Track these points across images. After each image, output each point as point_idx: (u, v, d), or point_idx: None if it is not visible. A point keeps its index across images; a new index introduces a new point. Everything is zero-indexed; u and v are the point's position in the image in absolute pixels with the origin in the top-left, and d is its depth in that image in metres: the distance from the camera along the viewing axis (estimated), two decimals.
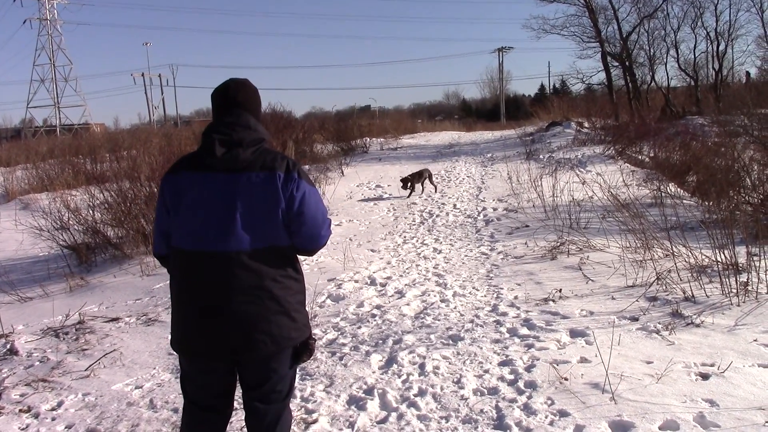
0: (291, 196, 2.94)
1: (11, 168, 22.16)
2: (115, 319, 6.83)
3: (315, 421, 4.34)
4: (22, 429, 4.56)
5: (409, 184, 14.35)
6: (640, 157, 17.90)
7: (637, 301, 6.14)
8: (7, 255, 11.14)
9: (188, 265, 2.99)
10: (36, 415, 4.74)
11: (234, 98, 3.09)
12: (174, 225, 3.03)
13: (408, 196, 14.25)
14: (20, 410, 4.82)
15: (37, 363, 5.72)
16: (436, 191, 14.68)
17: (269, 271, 2.94)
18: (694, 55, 38.90)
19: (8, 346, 6.08)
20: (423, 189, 14.91)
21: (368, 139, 27.11)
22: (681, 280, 6.47)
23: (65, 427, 4.53)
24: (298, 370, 5.09)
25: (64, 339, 6.27)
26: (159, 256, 3.26)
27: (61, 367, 5.60)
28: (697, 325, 5.48)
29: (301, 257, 3.21)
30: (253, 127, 3.03)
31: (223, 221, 2.91)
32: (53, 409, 4.83)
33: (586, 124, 26.53)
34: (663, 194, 10.77)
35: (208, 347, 3.00)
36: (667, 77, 40.27)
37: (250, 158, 2.95)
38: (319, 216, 3.08)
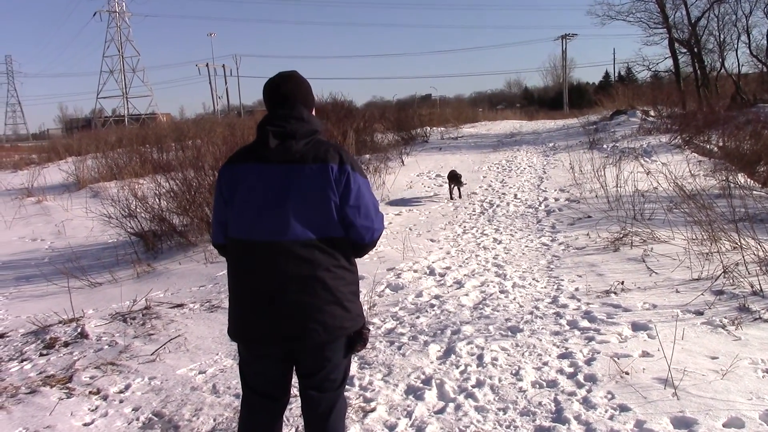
0: (344, 189, 2.97)
1: (82, 157, 22.85)
2: (180, 305, 7.01)
3: (373, 410, 4.39)
4: (92, 410, 4.73)
5: (452, 180, 13.27)
6: (708, 146, 17.40)
7: (702, 294, 6.00)
8: (78, 241, 11.53)
9: (243, 255, 3.06)
10: (105, 397, 4.92)
11: (284, 91, 3.12)
12: (230, 215, 3.10)
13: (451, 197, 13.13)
14: (90, 392, 5.01)
15: (106, 347, 5.92)
16: (460, 196, 13.13)
17: (322, 262, 2.97)
18: (767, 40, 37.49)
19: (79, 330, 6.31)
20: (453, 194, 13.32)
21: (428, 129, 27.03)
22: (749, 273, 6.28)
23: (132, 410, 4.69)
24: (355, 359, 5.17)
25: (131, 324, 6.47)
26: (217, 246, 3.33)
27: (128, 351, 5.79)
28: (766, 321, 5.33)
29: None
30: (306, 118, 3.06)
31: (277, 212, 2.96)
32: (121, 392, 5.00)
33: (651, 113, 25.89)
34: (732, 185, 10.45)
35: (262, 335, 3.06)
36: (738, 63, 38.87)
37: (303, 150, 2.98)
38: (372, 208, 3.09)
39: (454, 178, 13.10)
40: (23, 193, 17.32)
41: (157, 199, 11.09)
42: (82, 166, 19.47)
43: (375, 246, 3.25)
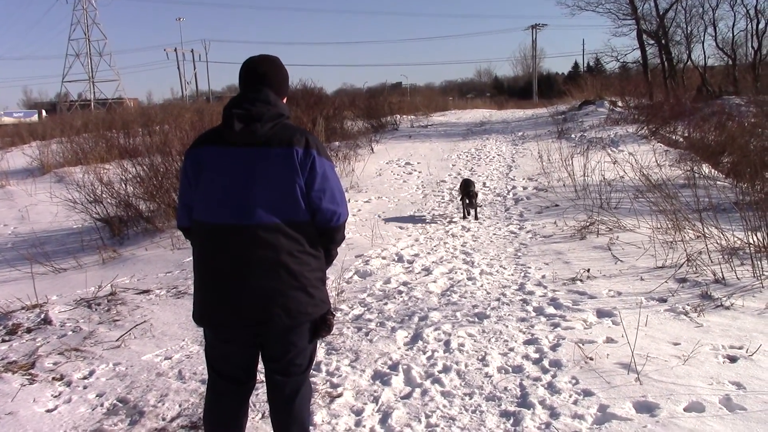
0: (309, 173, 2.96)
1: (47, 141, 22.46)
2: (146, 291, 6.94)
3: (340, 395, 4.39)
4: (55, 396, 4.67)
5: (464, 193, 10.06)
6: (674, 137, 17.63)
7: (666, 282, 6.09)
8: (42, 227, 11.35)
9: (208, 238, 3.04)
10: (68, 384, 4.86)
11: (257, 74, 3.10)
12: (195, 198, 3.08)
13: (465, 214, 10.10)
14: (53, 378, 4.94)
15: (70, 333, 5.84)
16: (476, 217, 10.00)
17: (287, 246, 2.96)
18: (733, 33, 37.89)
19: (42, 316, 6.22)
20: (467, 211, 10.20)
21: (399, 116, 27.03)
22: (712, 262, 6.39)
23: (96, 396, 4.64)
24: (322, 344, 5.17)
25: (96, 310, 6.39)
26: (182, 229, 3.30)
27: (93, 337, 5.72)
28: (727, 308, 5.42)
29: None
30: (273, 102, 3.03)
31: (241, 195, 2.94)
32: (85, 378, 4.94)
33: (619, 103, 26.16)
34: (696, 175, 10.61)
35: (225, 319, 3.05)
36: (704, 56, 39.46)
37: (269, 133, 2.96)
38: (337, 192, 3.09)
39: (467, 192, 9.91)
40: None
41: (123, 185, 10.95)
42: (46, 151, 19.14)
43: (343, 232, 3.23)
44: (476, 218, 9.94)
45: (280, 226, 2.94)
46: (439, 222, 9.75)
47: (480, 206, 10.42)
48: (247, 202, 2.93)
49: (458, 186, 10.89)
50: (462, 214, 10.11)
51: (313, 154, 2.96)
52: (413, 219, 10.05)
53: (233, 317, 3.02)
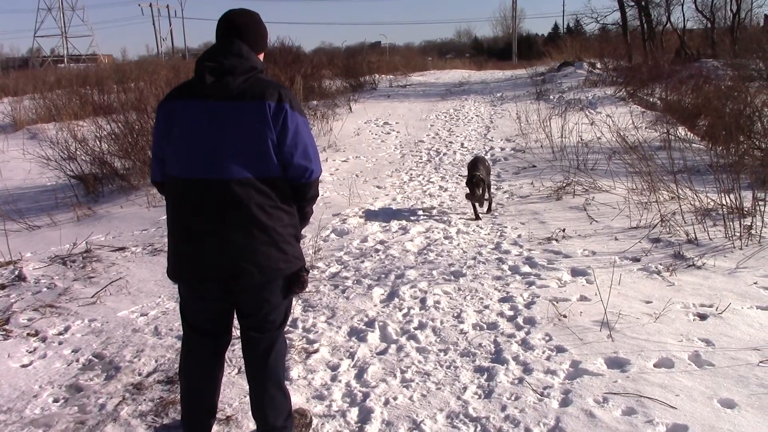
0: (281, 127, 2.91)
1: (18, 98, 22.01)
2: (122, 249, 6.90)
3: (316, 351, 4.42)
4: (30, 352, 4.66)
5: (474, 190, 7.58)
6: (651, 99, 17.68)
7: (639, 242, 6.16)
8: (15, 184, 11.19)
9: (180, 192, 3.01)
10: (43, 339, 4.84)
11: (233, 26, 3.04)
12: (167, 152, 3.04)
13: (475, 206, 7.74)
14: (28, 334, 4.92)
15: (45, 289, 5.81)
16: (489, 209, 7.96)
17: (258, 201, 2.93)
18: None
19: (16, 273, 6.17)
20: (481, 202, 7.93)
21: (377, 76, 26.87)
22: (685, 222, 6.47)
23: (72, 351, 4.63)
24: (299, 301, 5.19)
25: (71, 267, 6.35)
26: (156, 183, 3.27)
27: (68, 293, 5.69)
28: (699, 267, 5.51)
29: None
30: (246, 55, 2.97)
31: (212, 149, 2.90)
32: (60, 334, 4.93)
33: (598, 65, 26.17)
34: (672, 137, 10.68)
35: (196, 273, 3.05)
36: (684, 18, 39.53)
37: (241, 87, 2.91)
38: (310, 148, 3.05)
39: (472, 181, 7.60)
40: None
41: (97, 142, 10.79)
42: (18, 107, 18.78)
43: (315, 189, 3.20)
44: (489, 210, 7.92)
45: (252, 181, 2.91)
46: (416, 181, 9.75)
47: (482, 195, 7.79)
48: (218, 156, 2.90)
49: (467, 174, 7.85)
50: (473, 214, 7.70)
51: (286, 108, 2.92)
52: (391, 178, 10.04)
53: (205, 273, 3.01)
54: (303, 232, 3.36)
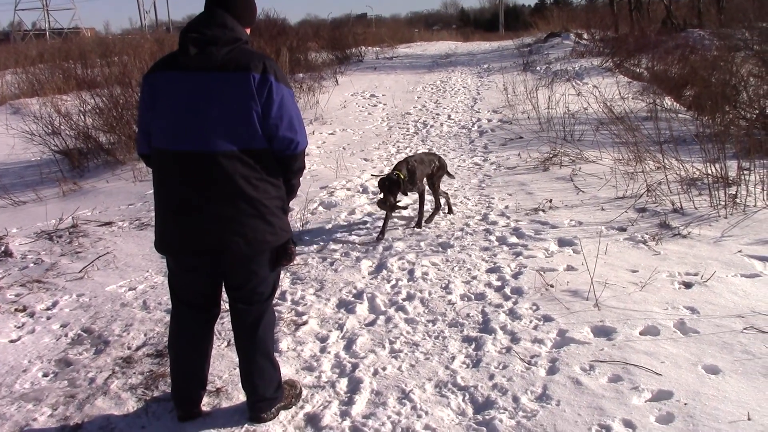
0: (266, 99, 2.89)
1: (0, 72, 21.76)
2: (108, 224, 6.88)
3: (305, 323, 4.44)
4: (18, 327, 4.65)
5: (387, 195, 5.99)
6: (637, 70, 17.67)
7: (626, 212, 6.19)
8: None
9: (165, 165, 3.00)
10: (31, 314, 4.84)
11: None
12: (153, 125, 3.02)
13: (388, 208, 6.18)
14: (16, 309, 4.92)
15: (32, 265, 5.79)
16: (450, 211, 6.72)
17: (244, 174, 2.93)
18: None
19: (2, 248, 6.14)
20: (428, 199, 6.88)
21: (363, 48, 26.69)
22: (671, 192, 6.51)
23: (60, 326, 4.63)
24: (287, 274, 5.20)
25: (57, 242, 6.32)
26: (143, 156, 3.25)
27: (55, 268, 5.67)
28: (684, 236, 5.55)
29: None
30: (230, 26, 2.94)
31: (197, 121, 2.89)
32: (48, 309, 4.93)
33: (585, 36, 26.05)
34: (658, 108, 10.69)
35: (183, 245, 3.05)
36: None
37: (225, 58, 2.89)
38: (296, 120, 3.03)
39: (384, 183, 6.01)
40: None
41: (82, 116, 10.71)
42: (1, 82, 18.56)
43: (301, 161, 3.19)
44: (450, 211, 6.71)
45: (237, 153, 2.90)
46: (404, 153, 9.73)
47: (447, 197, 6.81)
48: (202, 128, 2.88)
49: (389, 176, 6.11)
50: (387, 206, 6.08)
51: (270, 80, 2.89)
52: (378, 150, 10.02)
53: (192, 245, 3.02)
54: (290, 204, 3.36)
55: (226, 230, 2.95)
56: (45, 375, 3.99)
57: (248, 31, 3.13)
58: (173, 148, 2.94)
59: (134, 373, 3.95)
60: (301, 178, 3.30)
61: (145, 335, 4.43)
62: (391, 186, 5.93)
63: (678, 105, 12.49)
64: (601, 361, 3.67)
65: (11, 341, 4.44)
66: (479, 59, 24.45)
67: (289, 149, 3.04)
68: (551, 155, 8.41)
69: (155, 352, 4.19)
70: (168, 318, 4.34)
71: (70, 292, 5.20)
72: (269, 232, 3.05)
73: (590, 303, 4.38)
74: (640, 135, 8.24)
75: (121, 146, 10.19)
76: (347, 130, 11.84)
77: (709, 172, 6.61)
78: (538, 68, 18.42)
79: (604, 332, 4.03)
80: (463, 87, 16.84)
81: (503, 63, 21.17)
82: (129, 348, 4.27)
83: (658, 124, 8.67)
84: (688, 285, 4.61)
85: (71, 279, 5.45)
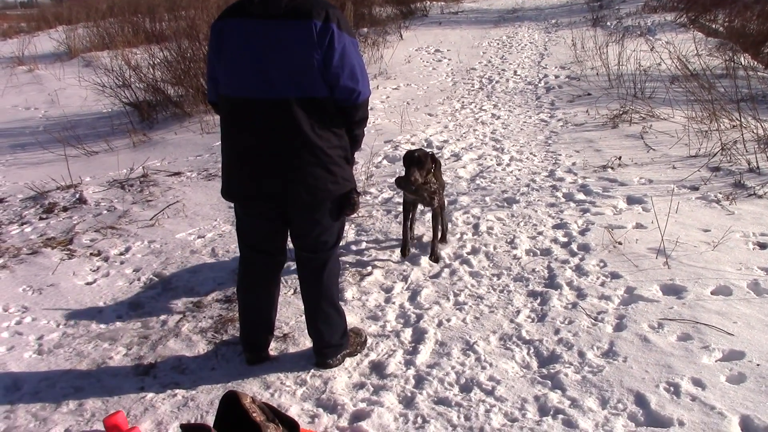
0: (328, 47, 2.87)
1: (73, 26, 22.21)
2: (177, 174, 7.02)
3: (369, 274, 4.48)
4: (93, 271, 4.82)
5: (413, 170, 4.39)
6: (713, 26, 16.98)
7: (698, 171, 6.01)
8: (72, 111, 11.39)
9: (231, 112, 3.04)
10: (106, 259, 5.00)
11: None
12: (219, 72, 3.05)
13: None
14: (91, 254, 5.09)
15: (105, 212, 5.97)
16: (444, 240, 4.93)
17: (306, 121, 2.93)
18: None
19: (77, 196, 6.34)
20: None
21: (429, 3, 26.27)
22: (747, 151, 6.28)
23: (133, 271, 4.78)
24: (352, 225, 5.23)
25: (129, 190, 6.49)
26: (212, 103, 3.30)
27: (127, 216, 5.83)
28: (760, 197, 5.37)
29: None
30: None
31: (259, 68, 2.90)
32: (121, 254, 5.08)
33: None
34: (735, 65, 10.27)
35: (248, 192, 3.10)
36: None
37: (289, 6, 2.87)
38: (358, 69, 3.00)
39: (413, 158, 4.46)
40: (14, 61, 16.89)
41: (151, 70, 10.86)
42: (72, 35, 18.95)
43: (365, 111, 3.17)
44: (443, 239, 4.95)
45: (299, 101, 2.91)
46: (468, 109, 9.62)
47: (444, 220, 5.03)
48: (265, 75, 2.89)
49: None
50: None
51: (333, 28, 2.86)
52: (442, 106, 9.92)
53: (253, 191, 3.06)
54: (355, 158, 3.35)
55: (288, 177, 2.98)
56: (119, 317, 4.13)
57: None
58: (237, 94, 2.97)
59: (204, 317, 4.06)
60: (365, 130, 3.29)
61: (214, 281, 4.53)
62: (420, 161, 4.44)
63: (756, 62, 11.99)
64: (670, 320, 3.61)
65: (87, 284, 4.61)
66: (547, 14, 23.83)
67: (351, 99, 3.03)
68: (621, 112, 8.19)
69: (224, 298, 4.29)
70: (236, 266, 4.43)
71: (142, 238, 5.34)
72: (331, 181, 3.05)
73: (660, 261, 4.29)
74: (715, 92, 7.95)
75: (189, 99, 10.32)
76: (411, 86, 11.74)
77: None
78: (608, 23, 17.86)
79: (674, 291, 3.95)
80: (530, 42, 16.47)
81: (572, 18, 20.59)
82: (198, 293, 4.38)
83: (735, 82, 8.33)
84: (763, 246, 4.48)
85: (143, 226, 5.60)
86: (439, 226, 4.73)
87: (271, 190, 3.03)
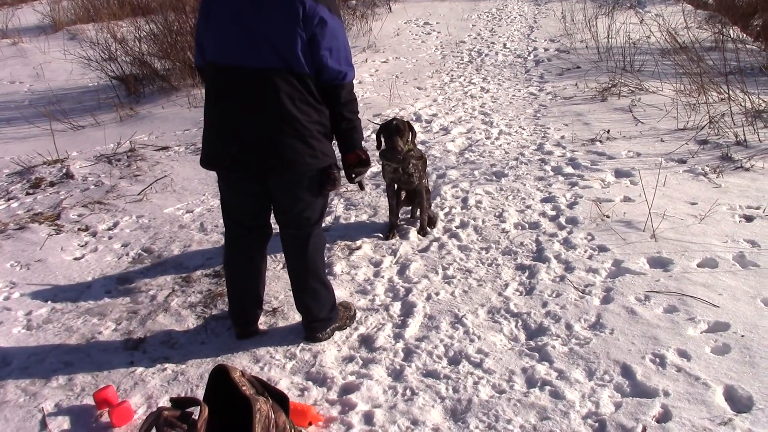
0: (315, 28, 2.86)
1: None
2: (165, 148, 6.98)
3: (358, 248, 4.49)
4: (81, 246, 4.81)
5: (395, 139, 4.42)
6: None
7: (686, 144, 6.03)
8: (57, 84, 11.26)
9: (214, 78, 3.03)
10: (93, 234, 4.98)
11: None
12: (207, 37, 3.04)
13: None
14: (78, 229, 5.07)
15: (92, 186, 5.94)
16: (431, 225, 4.80)
17: (287, 92, 2.91)
18: None
19: (64, 171, 6.30)
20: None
21: None
22: (734, 124, 6.30)
23: (122, 246, 4.77)
24: (341, 200, 5.23)
25: (116, 165, 6.45)
26: (198, 69, 3.29)
27: (115, 190, 5.81)
28: (747, 169, 5.40)
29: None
30: None
31: (244, 37, 2.89)
32: (109, 229, 5.07)
33: None
34: (724, 37, 10.27)
35: (224, 162, 3.10)
36: None
37: None
38: (343, 51, 3.00)
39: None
40: None
41: (137, 43, 10.75)
42: (57, 8, 18.69)
43: (350, 92, 3.14)
44: (432, 225, 4.80)
45: (281, 72, 2.89)
46: (457, 82, 9.58)
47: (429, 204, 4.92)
48: (249, 43, 2.88)
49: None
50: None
51: (322, 9, 2.86)
52: (431, 79, 9.88)
53: (230, 160, 3.06)
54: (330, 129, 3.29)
55: (264, 146, 2.97)
56: (108, 291, 4.13)
57: None
58: (221, 61, 2.96)
59: (193, 291, 4.06)
60: (357, 113, 3.24)
61: (203, 256, 4.53)
62: (400, 129, 4.42)
63: (745, 35, 11.98)
64: (656, 292, 3.64)
65: (75, 259, 4.60)
66: None
67: (337, 80, 3.02)
68: (610, 85, 8.19)
69: (213, 273, 4.29)
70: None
71: (130, 213, 5.33)
72: (309, 154, 3.03)
73: (647, 234, 4.32)
74: (704, 65, 7.95)
75: (176, 72, 10.23)
76: (400, 59, 11.67)
77: None
78: None
79: (660, 263, 3.98)
80: (520, 15, 16.38)
81: None
82: (187, 268, 4.38)
83: (724, 55, 8.33)
84: (749, 218, 4.51)
85: (131, 201, 5.58)
86: (425, 203, 4.71)
87: (246, 159, 3.02)
